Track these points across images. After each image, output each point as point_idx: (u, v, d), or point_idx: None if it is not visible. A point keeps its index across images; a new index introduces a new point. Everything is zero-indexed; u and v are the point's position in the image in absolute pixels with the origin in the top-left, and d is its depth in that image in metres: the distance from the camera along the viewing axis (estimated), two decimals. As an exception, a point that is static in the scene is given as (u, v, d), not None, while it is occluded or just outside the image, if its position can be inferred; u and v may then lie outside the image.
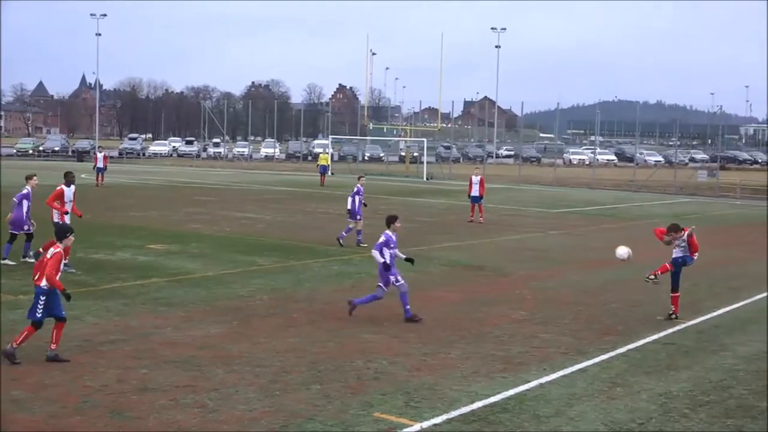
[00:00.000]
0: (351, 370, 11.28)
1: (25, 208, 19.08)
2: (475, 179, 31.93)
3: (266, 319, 14.32)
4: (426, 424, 9.28)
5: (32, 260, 18.80)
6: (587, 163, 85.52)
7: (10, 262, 18.66)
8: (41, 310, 11.17)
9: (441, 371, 11.39)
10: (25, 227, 19.10)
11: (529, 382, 10.99)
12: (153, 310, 14.51)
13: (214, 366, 11.20)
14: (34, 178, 19.83)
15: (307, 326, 13.81)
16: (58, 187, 19.05)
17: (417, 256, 22.25)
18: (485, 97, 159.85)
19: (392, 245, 14.65)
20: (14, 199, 19.30)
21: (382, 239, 14.65)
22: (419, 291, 17.27)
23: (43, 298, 11.17)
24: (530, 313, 15.42)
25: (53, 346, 11.23)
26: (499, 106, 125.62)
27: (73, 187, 19.32)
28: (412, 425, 9.22)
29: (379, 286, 14.61)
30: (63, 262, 11.43)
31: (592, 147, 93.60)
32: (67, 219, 18.61)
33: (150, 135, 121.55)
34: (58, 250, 11.41)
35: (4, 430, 8.70)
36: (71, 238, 11.92)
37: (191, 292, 16.30)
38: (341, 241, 23.55)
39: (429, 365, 11.69)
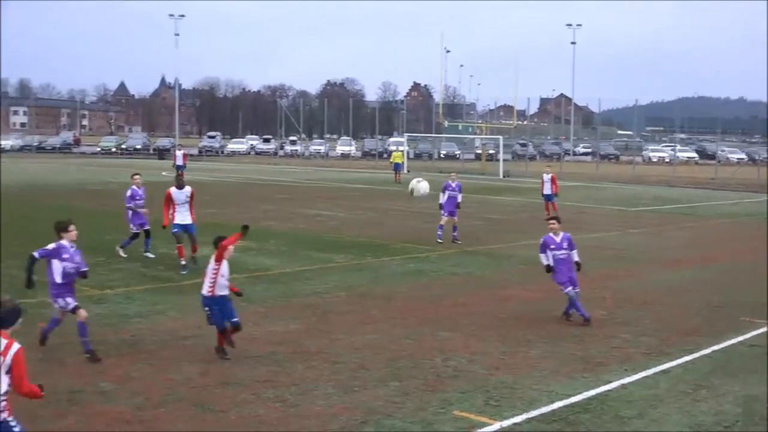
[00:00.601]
0: (429, 368, 11.29)
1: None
2: (546, 177, 31.71)
3: (344, 315, 14.41)
4: (506, 423, 9.24)
5: (124, 256, 19.33)
6: (667, 160, 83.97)
7: (150, 255, 19.55)
8: (214, 316, 11.51)
9: (520, 370, 11.32)
10: (132, 227, 19.63)
11: (610, 382, 10.85)
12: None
13: (293, 361, 11.32)
14: (136, 176, 20.30)
15: (384, 323, 13.86)
16: (167, 190, 18.74)
17: (494, 254, 22.27)
18: (561, 94, 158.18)
19: (552, 246, 14.34)
20: (126, 204, 19.91)
21: (541, 241, 14.58)
22: (497, 289, 17.21)
23: (206, 308, 11.53)
24: (609, 312, 15.22)
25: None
26: (575, 103, 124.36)
27: (187, 189, 18.64)
28: (492, 424, 9.19)
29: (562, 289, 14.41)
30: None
31: (672, 144, 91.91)
32: (179, 219, 18.41)
33: (219, 133, 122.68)
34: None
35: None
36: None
37: (270, 289, 16.49)
38: (438, 239, 23.70)
39: (508, 364, 11.63)
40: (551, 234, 14.46)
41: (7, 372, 6.76)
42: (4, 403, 6.80)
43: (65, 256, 11.27)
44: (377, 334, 13.07)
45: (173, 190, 18.56)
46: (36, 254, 11.23)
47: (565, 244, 14.39)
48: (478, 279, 18.44)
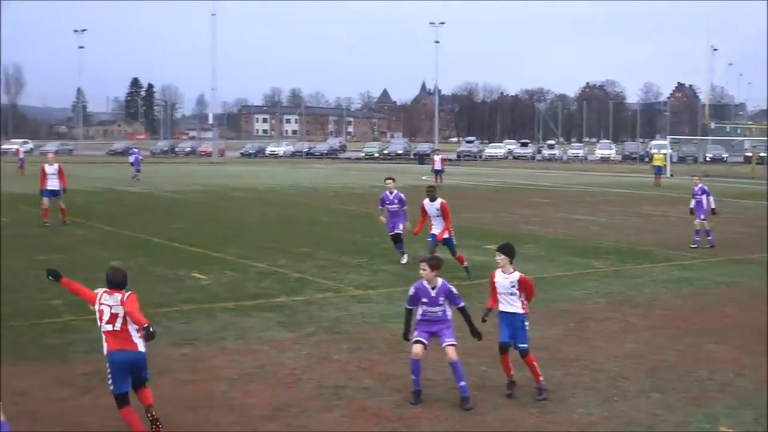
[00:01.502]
0: (693, 381, 10.82)
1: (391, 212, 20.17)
2: None
3: (602, 322, 14.12)
4: (778, 442, 8.69)
5: (404, 262, 19.68)
6: None
7: (403, 261, 19.58)
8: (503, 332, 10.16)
9: (794, 388, 10.59)
10: (388, 229, 20.19)
11: None
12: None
13: (551, 367, 11.21)
14: (388, 181, 20.38)
15: (645, 332, 13.43)
16: (422, 202, 18.60)
17: (764, 263, 20.92)
18: None
19: None
20: (379, 207, 20.50)
21: None
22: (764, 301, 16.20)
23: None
24: None
25: (538, 379, 10.20)
26: None
27: (437, 201, 18.25)
28: (762, 443, 8.68)
29: None
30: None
31: None
32: (434, 230, 18.18)
33: (476, 138, 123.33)
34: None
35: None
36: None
37: (527, 293, 16.40)
38: (712, 244, 23.30)
39: (780, 380, 10.91)
40: None
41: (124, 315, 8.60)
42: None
43: (424, 300, 10.19)
44: (637, 343, 12.70)
45: (426, 202, 18.45)
46: (408, 306, 10.38)
47: None
48: (746, 289, 17.43)
